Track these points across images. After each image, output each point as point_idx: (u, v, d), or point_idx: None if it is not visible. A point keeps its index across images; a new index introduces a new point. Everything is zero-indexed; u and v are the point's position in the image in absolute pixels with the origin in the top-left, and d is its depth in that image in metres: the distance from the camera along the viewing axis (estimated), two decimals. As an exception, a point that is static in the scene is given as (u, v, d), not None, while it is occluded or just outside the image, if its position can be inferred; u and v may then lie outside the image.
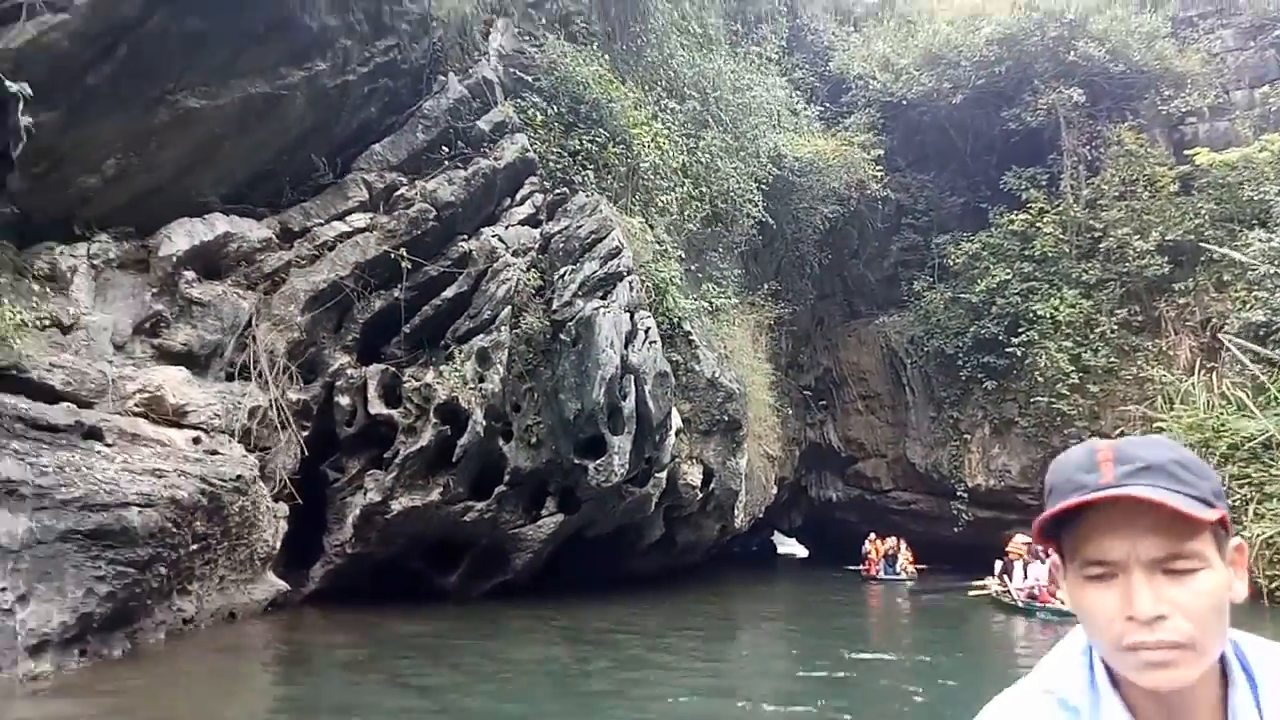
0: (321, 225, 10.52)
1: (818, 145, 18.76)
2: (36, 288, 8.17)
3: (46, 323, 7.59)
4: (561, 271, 11.03)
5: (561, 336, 10.47)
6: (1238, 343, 14.06)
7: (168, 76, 8.22)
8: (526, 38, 13.05)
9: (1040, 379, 16.97)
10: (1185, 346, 16.06)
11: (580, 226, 11.28)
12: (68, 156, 8.18)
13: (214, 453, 8.12)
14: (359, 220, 10.67)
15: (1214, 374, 15.11)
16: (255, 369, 9.66)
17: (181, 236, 9.17)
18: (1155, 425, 14.90)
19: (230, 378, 9.62)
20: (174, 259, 9.08)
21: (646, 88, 14.36)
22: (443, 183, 11.00)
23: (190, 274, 9.31)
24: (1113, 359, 16.69)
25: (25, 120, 6.83)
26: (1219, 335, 14.93)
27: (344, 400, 10.56)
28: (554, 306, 10.65)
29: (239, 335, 9.61)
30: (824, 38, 23.23)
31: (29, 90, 6.86)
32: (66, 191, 8.45)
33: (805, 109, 19.69)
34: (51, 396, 6.91)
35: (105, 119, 8.13)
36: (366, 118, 10.86)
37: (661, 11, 15.16)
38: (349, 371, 10.61)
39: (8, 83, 6.80)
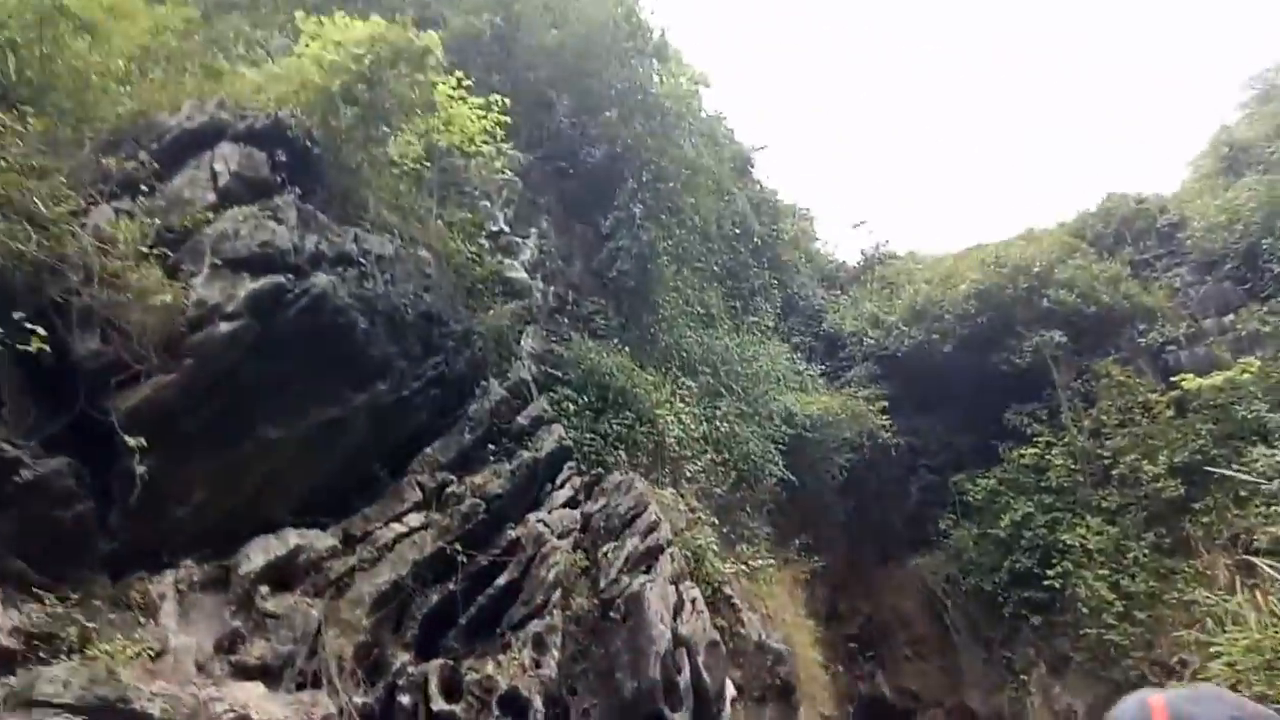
0: (381, 528, 11.29)
1: (824, 402, 20.00)
2: (131, 617, 8.80)
3: (141, 651, 8.13)
4: (604, 549, 11.65)
5: (611, 614, 10.89)
6: (1268, 564, 14.30)
7: (253, 415, 9.36)
8: (555, 338, 14.60)
9: (1084, 610, 16.97)
10: (1221, 565, 16.24)
11: (618, 504, 12.05)
12: (162, 494, 9.13)
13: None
14: (415, 520, 11.45)
15: (1257, 591, 15.16)
16: (324, 676, 10.01)
17: (258, 554, 9.91)
18: (1213, 651, 14.72)
19: (301, 687, 9.93)
20: (251, 576, 9.77)
21: (663, 370, 15.77)
22: (490, 476, 11.92)
23: (265, 588, 9.93)
24: (1152, 583, 16.81)
25: (140, 469, 7.83)
26: (1249, 555, 15.18)
27: (405, 700, 10.75)
28: (601, 585, 11.16)
29: (309, 644, 10.07)
30: (814, 302, 25.35)
31: (144, 442, 7.94)
32: (159, 525, 9.31)
33: (807, 368, 21.17)
34: (147, 722, 7.32)
35: (197, 458, 9.16)
36: (418, 424, 12.00)
37: (669, 302, 16.95)
38: (410, 670, 10.89)
39: (128, 439, 7.89)
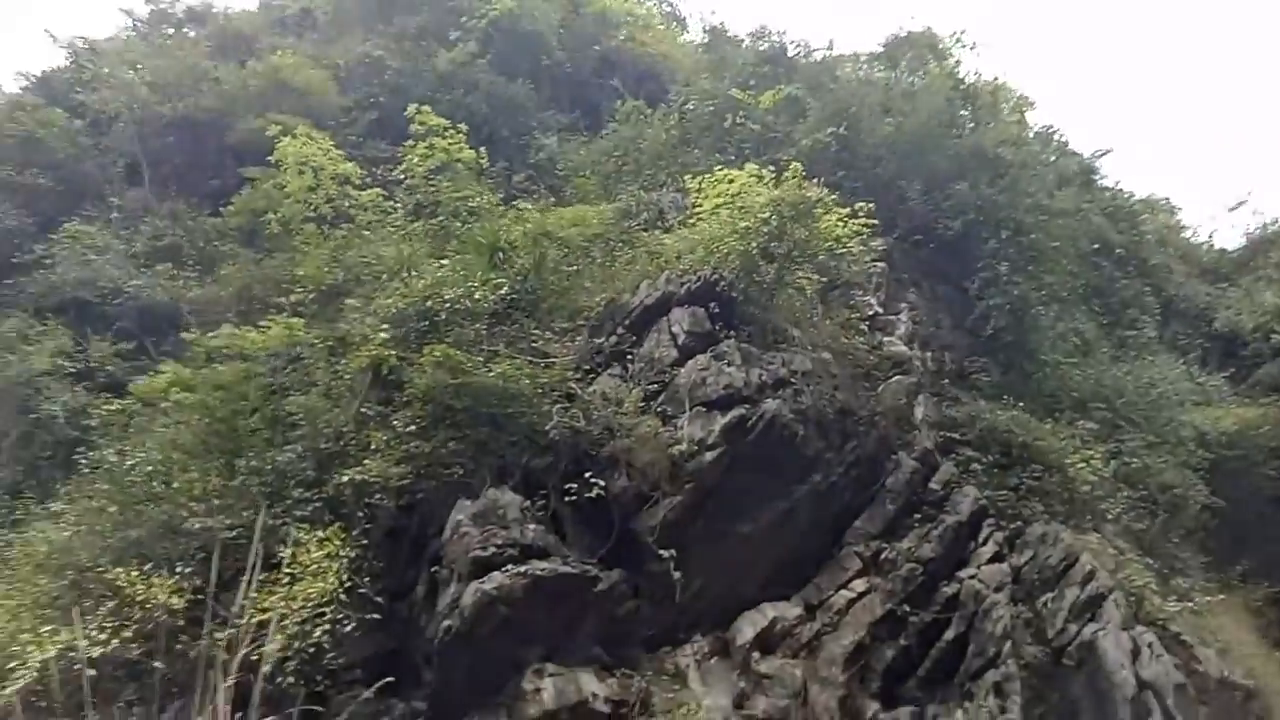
0: (833, 595, 13.18)
1: (1236, 414, 18.83)
2: (668, 683, 11.42)
3: (689, 711, 10.60)
4: (1042, 600, 12.52)
5: (1064, 661, 11.72)
6: None
7: (732, 517, 11.75)
8: (945, 402, 15.75)
9: None
10: None
11: (1047, 556, 12.88)
12: (675, 586, 11.75)
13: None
14: (859, 585, 13.20)
15: None
16: (813, 726, 11.99)
17: (747, 626, 12.23)
18: None
19: (798, 736, 12.02)
20: (745, 645, 12.09)
21: (1055, 414, 16.17)
22: (917, 541, 13.35)
23: (756, 654, 12.21)
24: None
25: (677, 575, 10.42)
26: None
27: (882, 745, 12.40)
28: (1049, 635, 12.04)
29: (798, 698, 12.13)
30: (1198, 301, 23.74)
31: (674, 552, 10.53)
32: (673, 610, 11.95)
33: (1205, 378, 20.04)
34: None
35: (695, 556, 11.65)
36: (844, 503, 13.79)
37: (1047, 345, 17.33)
38: (880, 717, 12.54)
39: (661, 551, 10.54)
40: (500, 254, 12.99)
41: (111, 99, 18.38)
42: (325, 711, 9.24)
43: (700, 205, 14.12)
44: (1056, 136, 24.67)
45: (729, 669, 12.08)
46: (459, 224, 14.87)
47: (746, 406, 11.06)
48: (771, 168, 14.37)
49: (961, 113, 17.54)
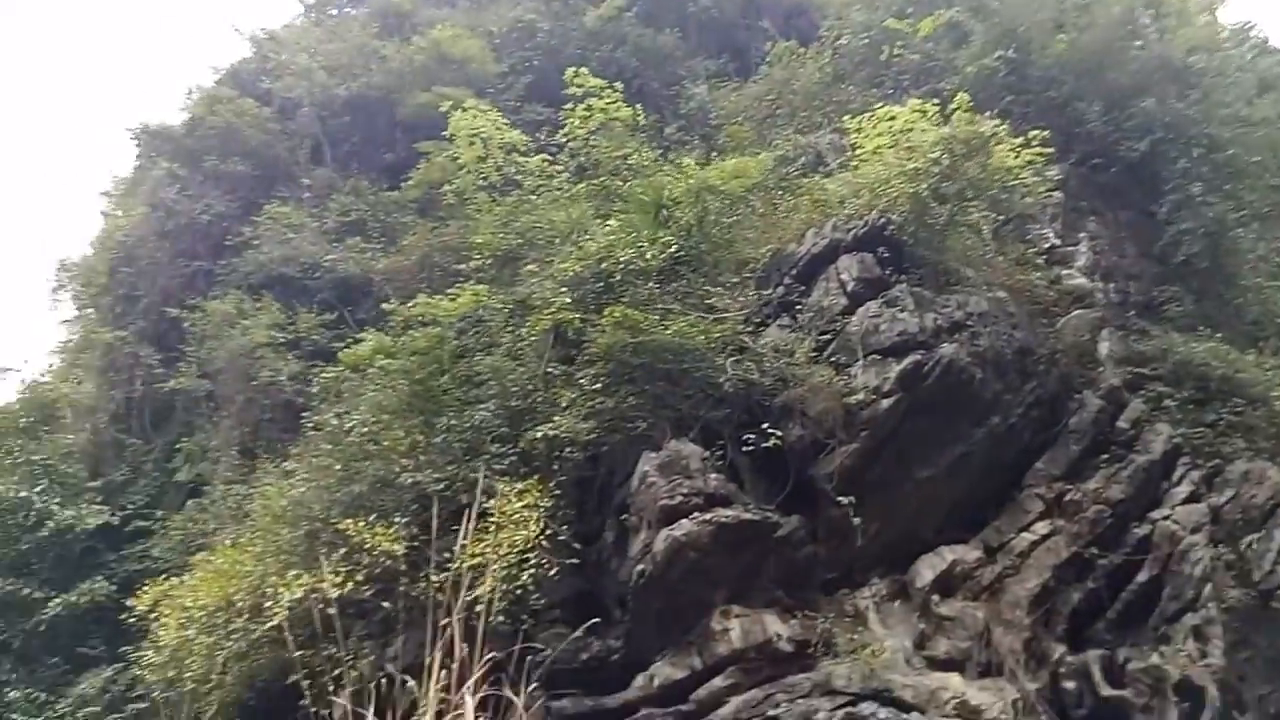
0: (1013, 538, 13.00)
1: None
2: (848, 624, 11.69)
3: (873, 651, 10.84)
4: (1246, 541, 11.90)
5: (1273, 604, 11.16)
6: None
7: (908, 462, 11.76)
8: (1131, 336, 14.96)
9: None
10: None
11: (1251, 495, 12.18)
12: (850, 531, 11.94)
13: (1007, 742, 10.37)
14: (1041, 528, 12.94)
15: None
16: (999, 667, 11.98)
17: (926, 569, 12.29)
18: None
19: (981, 676, 12.05)
20: (925, 588, 12.17)
21: (1258, 344, 15.05)
22: (1104, 482, 12.91)
23: (935, 597, 12.28)
24: None
25: (857, 522, 10.63)
26: None
27: (1070, 685, 12.23)
28: (1255, 578, 11.47)
29: (980, 640, 12.15)
30: None
31: (853, 499, 10.72)
32: (849, 554, 12.16)
33: None
34: (904, 707, 9.89)
35: (870, 501, 11.75)
36: (1023, 444, 13.47)
37: (1249, 270, 16.06)
38: (1068, 659, 12.37)
39: (840, 498, 10.75)
40: (663, 210, 13.27)
41: (294, 85, 19.78)
42: (530, 647, 10.02)
43: (861, 146, 13.88)
44: (1254, 34, 22.39)
45: (908, 611, 12.21)
46: (620, 183, 15.26)
47: (922, 352, 10.97)
48: (935, 100, 13.91)
49: (1144, 20, 16.23)
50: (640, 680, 10.00)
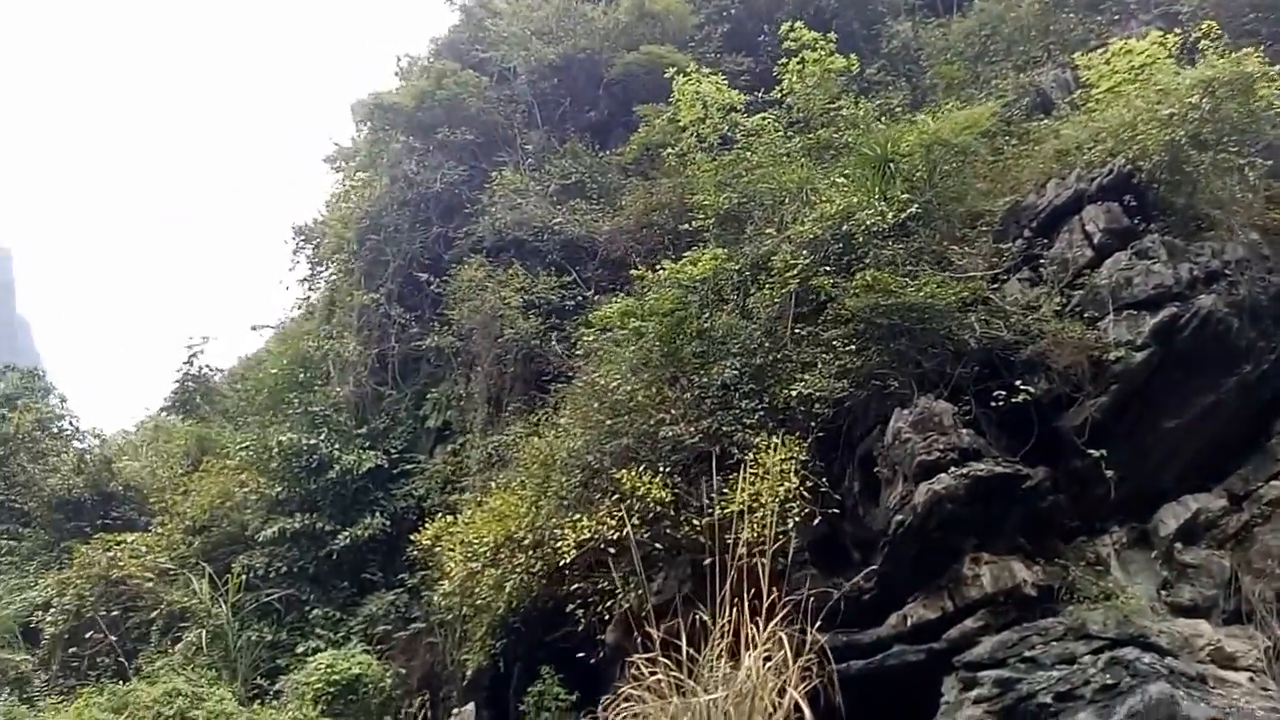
0: (1262, 486, 12.76)
1: None
2: (1088, 570, 11.95)
3: (1122, 597, 11.10)
4: None
5: None
6: None
7: (1154, 414, 11.75)
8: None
9: None
10: None
11: None
12: (1090, 480, 12.09)
13: (1265, 690, 10.48)
14: (1294, 478, 12.63)
15: None
16: (1247, 614, 11.96)
17: (1170, 518, 12.32)
18: None
19: (1226, 623, 12.07)
20: (1169, 536, 12.23)
21: None
22: (1368, 430, 12.39)
23: (1179, 545, 12.31)
24: None
25: (1110, 475, 10.83)
26: None
27: (1327, 636, 12.06)
28: None
29: (1227, 588, 12.13)
30: None
31: (1104, 451, 10.90)
32: (1088, 503, 12.32)
33: None
34: (1160, 652, 10.18)
35: (1113, 452, 11.75)
36: (1274, 390, 13.04)
37: None
38: (1322, 610, 12.15)
39: (1090, 450, 10.95)
40: (890, 165, 13.47)
41: (509, 52, 20.91)
42: (786, 586, 10.89)
43: (1094, 85, 13.51)
44: None
45: (1150, 558, 12.32)
46: (836, 135, 15.51)
47: (1178, 304, 10.90)
48: (1174, 31, 13.32)
49: None
50: (893, 619, 10.74)
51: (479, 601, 13.21)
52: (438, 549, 14.66)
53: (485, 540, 13.38)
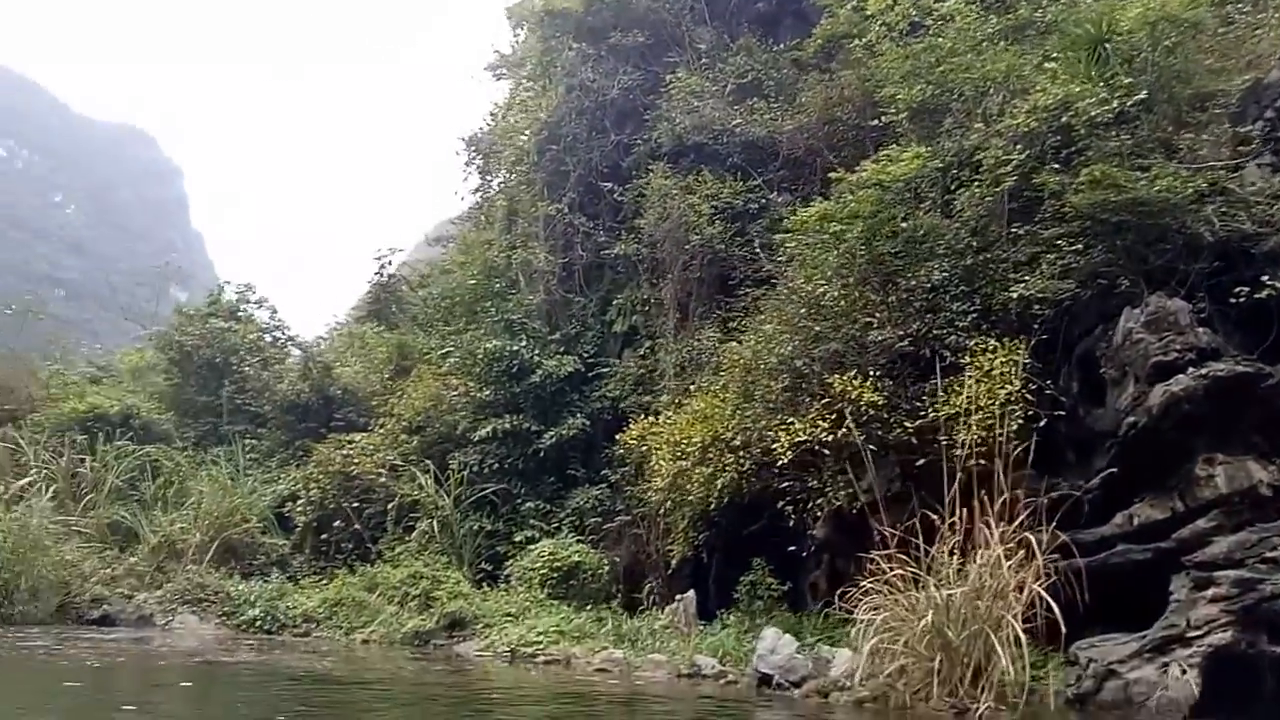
0: None
1: None
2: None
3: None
4: None
5: None
6: None
7: None
8: None
9: None
10: None
11: None
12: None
13: None
14: None
15: None
16: None
17: None
18: None
19: None
20: None
21: None
22: None
23: None
24: None
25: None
26: None
27: None
28: None
29: None
30: None
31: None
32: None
33: None
34: None
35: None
36: None
37: None
38: None
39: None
40: (1104, 45, 12.65)
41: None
42: (1008, 486, 11.01)
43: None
44: None
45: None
46: (1039, 14, 14.58)
47: None
48: None
49: None
50: (1119, 519, 10.74)
51: (691, 497, 14.01)
52: (644, 447, 15.56)
53: (693, 440, 14.10)
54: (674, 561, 15.89)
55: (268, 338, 26.87)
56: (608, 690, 10.75)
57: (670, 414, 15.76)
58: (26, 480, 18.24)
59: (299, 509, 19.18)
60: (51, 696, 9.12)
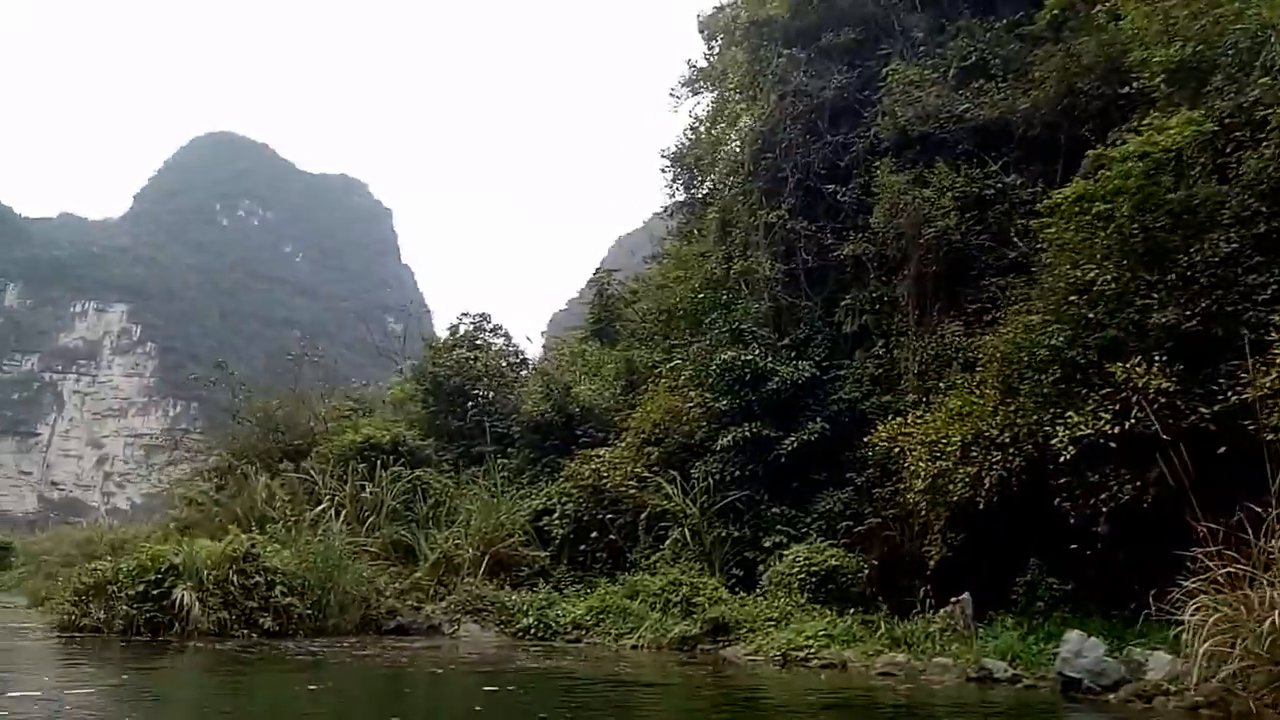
0: None
1: None
2: None
3: None
4: None
5: None
6: None
7: None
8: None
9: None
10: None
11: None
12: None
13: None
14: None
15: None
16: None
17: None
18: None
19: None
20: None
21: None
22: None
23: None
24: None
25: None
26: None
27: None
28: None
29: None
30: None
31: None
32: None
33: None
34: None
35: None
36: None
37: None
38: None
39: None
40: None
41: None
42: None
43: None
44: None
45: None
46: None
47: None
48: None
49: None
50: None
51: (953, 497, 13.69)
52: (895, 448, 15.35)
53: (952, 439, 13.78)
54: (931, 563, 15.55)
55: (503, 363, 28.62)
56: (901, 696, 10.69)
57: (919, 413, 15.47)
58: (322, 507, 20.41)
59: (555, 522, 20.32)
60: (397, 698, 10.29)
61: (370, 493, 21.70)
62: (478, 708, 9.25)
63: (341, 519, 20.16)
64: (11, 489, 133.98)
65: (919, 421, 15.12)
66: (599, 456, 20.60)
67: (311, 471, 22.58)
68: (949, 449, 13.80)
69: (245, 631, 15.62)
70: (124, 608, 15.57)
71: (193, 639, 14.98)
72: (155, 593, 15.70)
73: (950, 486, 13.81)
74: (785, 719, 9.97)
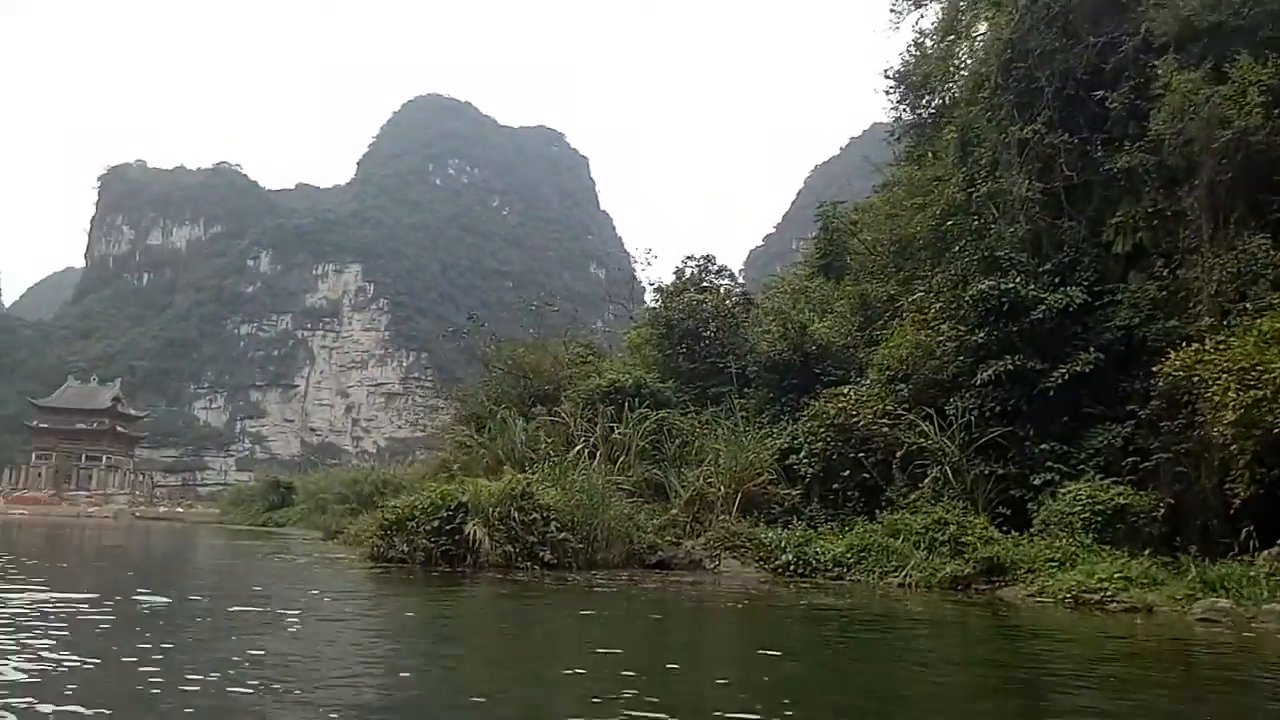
0: None
1: None
2: None
3: None
4: None
5: None
6: None
7: None
8: None
9: None
10: None
11: None
12: None
13: None
14: None
15: None
16: None
17: None
18: None
19: None
20: None
21: None
22: None
23: None
24: None
25: None
26: None
27: None
28: None
29: None
30: None
31: None
32: None
33: None
34: None
35: None
36: None
37: None
38: None
39: None
40: None
41: None
42: None
43: None
44: None
45: None
46: None
47: None
48: None
49: None
50: None
51: (1275, 430, 12.40)
52: (1192, 377, 14.07)
53: (1269, 365, 12.45)
54: (1237, 501, 14.22)
55: (729, 303, 28.65)
56: (1235, 645, 9.89)
57: (1220, 338, 14.05)
58: (579, 448, 21.49)
59: (803, 460, 20.29)
60: (736, 628, 10.81)
61: (619, 434, 22.58)
62: (828, 650, 9.45)
63: (596, 459, 21.13)
64: (279, 435, 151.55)
65: (1222, 347, 13.76)
66: (844, 395, 20.28)
67: (563, 414, 23.77)
68: (1268, 378, 12.48)
69: (528, 564, 16.84)
70: (423, 541, 17.21)
71: (484, 570, 16.35)
72: (448, 528, 17.24)
73: (1269, 418, 12.52)
74: (1148, 666, 9.15)
